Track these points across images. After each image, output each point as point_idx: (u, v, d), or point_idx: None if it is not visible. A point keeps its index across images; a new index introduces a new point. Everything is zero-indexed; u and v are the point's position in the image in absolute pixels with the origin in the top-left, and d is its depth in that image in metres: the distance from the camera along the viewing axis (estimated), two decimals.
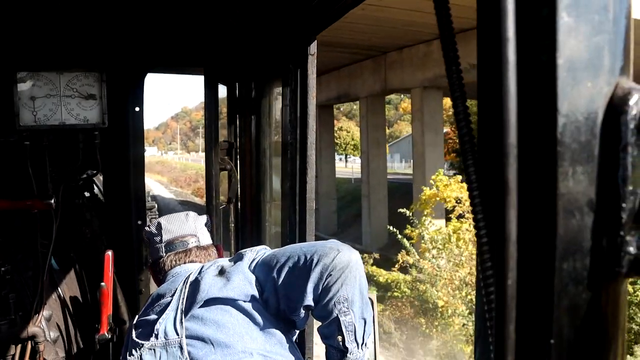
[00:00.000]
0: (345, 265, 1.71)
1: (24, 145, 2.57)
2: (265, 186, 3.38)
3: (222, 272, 1.91)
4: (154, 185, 47.74)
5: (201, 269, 1.96)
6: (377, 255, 14.30)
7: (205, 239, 2.22)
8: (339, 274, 1.70)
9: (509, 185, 0.62)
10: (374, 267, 13.06)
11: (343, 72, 22.01)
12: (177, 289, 1.93)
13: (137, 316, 2.00)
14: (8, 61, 2.58)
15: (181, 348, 1.76)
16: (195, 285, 1.88)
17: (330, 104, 25.85)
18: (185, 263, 2.11)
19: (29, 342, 2.40)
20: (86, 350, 2.69)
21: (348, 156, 63.24)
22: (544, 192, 0.67)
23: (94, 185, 3.14)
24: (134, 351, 1.82)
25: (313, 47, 2.25)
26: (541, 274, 0.67)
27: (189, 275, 1.96)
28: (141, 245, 3.12)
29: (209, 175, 3.18)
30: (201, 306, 1.83)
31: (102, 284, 2.30)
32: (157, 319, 1.85)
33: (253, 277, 1.87)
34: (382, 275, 12.42)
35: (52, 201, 2.55)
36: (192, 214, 2.27)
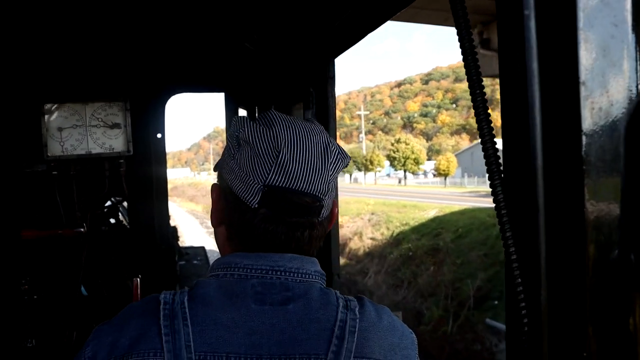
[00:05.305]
0: None
1: (52, 175, 2.64)
2: None
3: None
4: (186, 220, 36.47)
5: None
6: None
7: (327, 207, 1.06)
8: None
9: (538, 206, 0.65)
10: None
11: None
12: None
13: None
14: (36, 94, 2.65)
15: None
16: None
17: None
18: (274, 252, 1.01)
19: None
20: None
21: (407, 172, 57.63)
22: (570, 209, 0.70)
23: (119, 212, 3.19)
24: None
25: (332, 70, 2.29)
26: (573, 289, 0.69)
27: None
28: (167, 269, 3.16)
29: None
30: None
31: None
32: None
33: None
34: None
35: (82, 229, 2.60)
36: (335, 147, 1.07)
